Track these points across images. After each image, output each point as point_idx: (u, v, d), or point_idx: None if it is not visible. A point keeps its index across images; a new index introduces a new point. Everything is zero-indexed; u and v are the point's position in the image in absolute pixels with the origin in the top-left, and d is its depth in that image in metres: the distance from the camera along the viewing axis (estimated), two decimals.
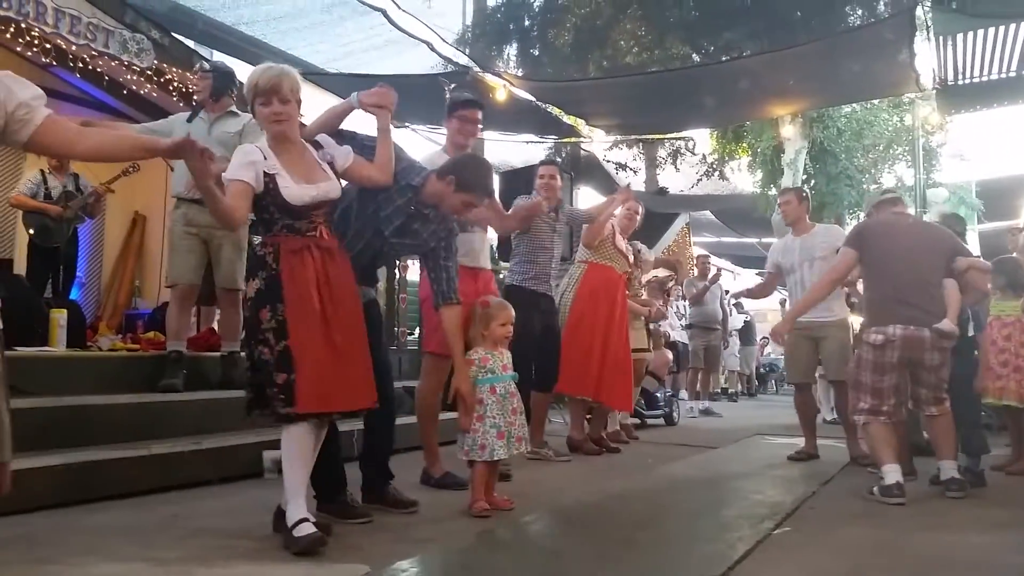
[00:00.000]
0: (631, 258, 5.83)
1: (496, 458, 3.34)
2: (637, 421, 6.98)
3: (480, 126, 4.31)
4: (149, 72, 6.42)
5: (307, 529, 2.64)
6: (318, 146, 2.98)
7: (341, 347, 2.74)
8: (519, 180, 9.37)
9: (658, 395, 7.59)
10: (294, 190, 2.75)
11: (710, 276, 9.65)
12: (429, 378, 4.10)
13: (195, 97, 5.55)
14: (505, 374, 3.42)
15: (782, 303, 11.63)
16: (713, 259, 12.14)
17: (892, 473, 3.82)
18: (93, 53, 6.05)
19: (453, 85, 8.12)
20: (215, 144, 3.94)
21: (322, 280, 2.75)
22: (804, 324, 5.08)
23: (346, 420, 3.04)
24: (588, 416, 5.77)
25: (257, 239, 2.91)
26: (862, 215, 12.04)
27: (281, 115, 2.76)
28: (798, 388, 5.59)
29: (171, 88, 6.62)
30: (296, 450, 2.72)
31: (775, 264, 5.59)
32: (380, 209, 3.20)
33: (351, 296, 2.87)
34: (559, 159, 13.15)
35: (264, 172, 2.73)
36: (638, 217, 5.87)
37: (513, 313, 3.52)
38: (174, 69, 6.58)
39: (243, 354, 2.83)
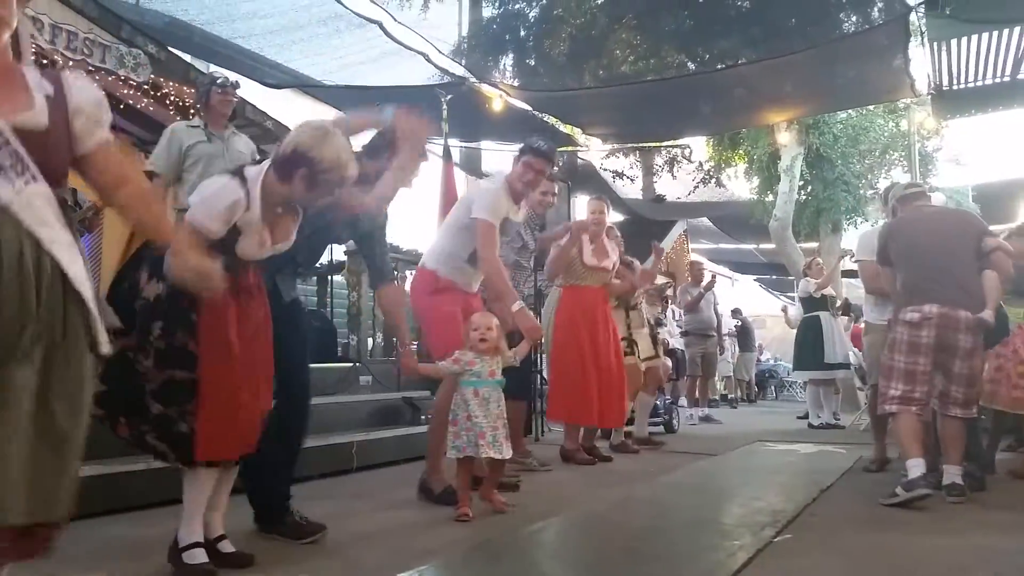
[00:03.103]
0: (613, 259, 5.59)
1: (482, 455, 3.48)
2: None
3: (543, 177, 4.39)
4: (146, 86, 6.45)
5: (200, 556, 2.47)
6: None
7: (247, 390, 2.48)
8: None
9: (658, 403, 7.57)
10: (250, 250, 2.49)
11: (705, 283, 9.62)
12: (447, 387, 4.02)
13: (194, 110, 5.52)
14: (490, 380, 3.55)
15: (784, 310, 11.67)
16: (708, 264, 12.15)
17: (916, 467, 3.79)
18: (90, 68, 6.08)
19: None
20: (232, 165, 3.91)
21: (242, 316, 2.49)
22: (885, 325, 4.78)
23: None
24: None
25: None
26: (865, 219, 12.08)
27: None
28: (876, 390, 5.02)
29: (168, 102, 6.65)
30: (199, 491, 2.52)
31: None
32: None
33: (265, 335, 2.61)
34: (556, 168, 13.19)
35: (236, 224, 2.43)
36: (605, 218, 5.62)
37: (491, 322, 3.62)
38: (171, 83, 6.61)
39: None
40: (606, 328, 5.43)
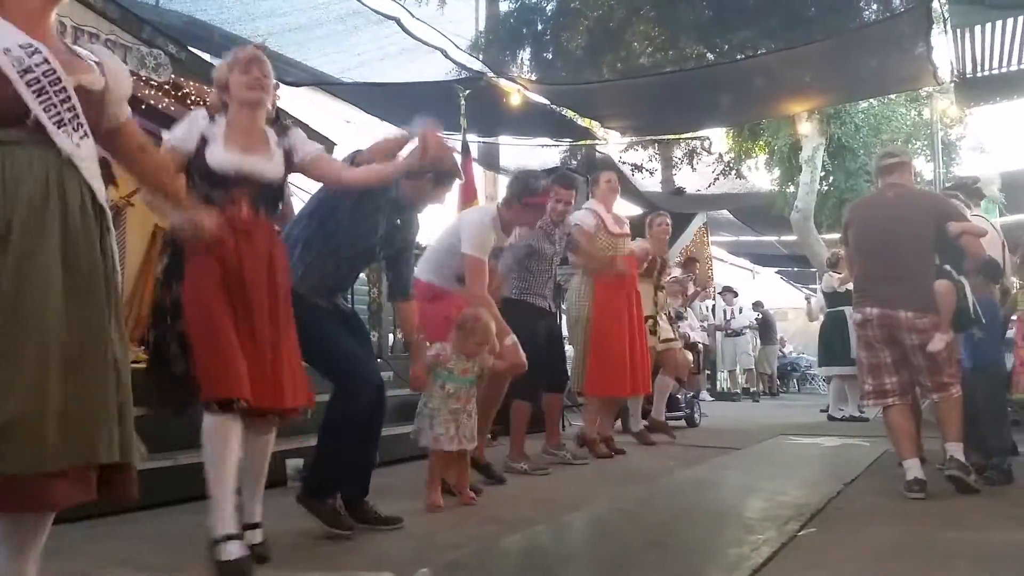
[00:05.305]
0: (627, 232, 5.61)
1: (432, 447, 3.61)
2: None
3: (539, 220, 4.55)
4: (167, 87, 6.48)
5: (235, 551, 2.41)
6: (284, 130, 2.79)
7: (255, 337, 2.51)
8: None
9: (679, 396, 7.55)
10: (218, 155, 2.55)
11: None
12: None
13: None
14: (462, 377, 3.66)
15: (808, 299, 11.63)
16: (728, 257, 12.09)
17: (911, 469, 3.81)
18: None
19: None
20: None
21: (233, 260, 2.52)
22: None
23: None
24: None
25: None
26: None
27: (261, 81, 2.65)
28: None
29: (188, 101, 6.67)
30: (214, 449, 2.48)
31: None
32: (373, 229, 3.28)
33: (267, 282, 2.59)
34: (574, 162, 13.18)
35: (201, 134, 2.58)
36: (617, 185, 5.68)
37: (490, 336, 3.69)
38: (191, 83, 6.64)
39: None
40: (637, 302, 5.54)
